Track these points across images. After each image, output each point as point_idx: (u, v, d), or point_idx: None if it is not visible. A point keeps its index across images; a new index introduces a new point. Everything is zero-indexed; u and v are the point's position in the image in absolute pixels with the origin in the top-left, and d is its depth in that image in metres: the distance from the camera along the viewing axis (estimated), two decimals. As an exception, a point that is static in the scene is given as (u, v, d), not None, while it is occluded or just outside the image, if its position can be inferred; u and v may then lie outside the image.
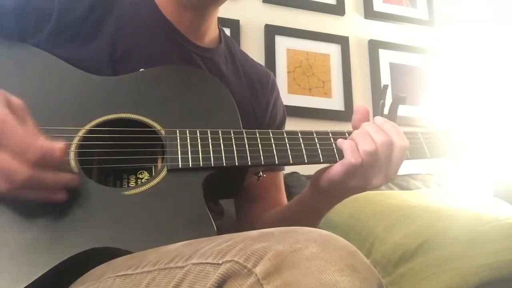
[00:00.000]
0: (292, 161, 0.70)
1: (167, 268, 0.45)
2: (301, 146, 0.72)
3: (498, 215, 1.24)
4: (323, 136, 0.74)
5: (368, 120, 0.76)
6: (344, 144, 0.70)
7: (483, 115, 1.90)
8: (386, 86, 0.81)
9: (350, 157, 0.68)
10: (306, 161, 0.71)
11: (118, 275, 0.49)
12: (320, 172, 0.74)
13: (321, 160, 0.72)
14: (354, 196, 0.78)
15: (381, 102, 0.78)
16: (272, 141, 0.71)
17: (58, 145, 0.56)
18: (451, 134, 0.81)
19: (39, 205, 0.57)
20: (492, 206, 1.37)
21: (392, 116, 0.78)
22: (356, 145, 0.69)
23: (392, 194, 1.46)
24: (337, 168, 0.70)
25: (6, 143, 0.54)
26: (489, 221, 1.20)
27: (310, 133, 0.74)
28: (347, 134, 0.75)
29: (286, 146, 0.71)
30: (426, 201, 1.36)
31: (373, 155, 0.68)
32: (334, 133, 0.74)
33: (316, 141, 0.73)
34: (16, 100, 0.58)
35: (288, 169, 1.46)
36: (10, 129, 0.54)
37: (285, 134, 0.72)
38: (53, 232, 0.56)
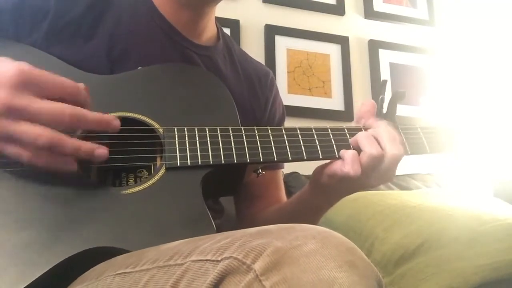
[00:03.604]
0: (291, 157, 0.70)
1: (166, 265, 0.45)
2: (300, 143, 0.71)
3: (498, 215, 1.24)
4: (322, 132, 0.73)
5: (374, 114, 0.76)
6: (345, 153, 0.70)
7: (483, 115, 1.90)
8: (385, 81, 0.81)
9: (350, 168, 0.69)
10: (305, 157, 0.71)
11: (117, 273, 0.49)
12: (321, 168, 0.75)
13: (320, 157, 0.72)
14: (354, 196, 0.79)
15: (380, 97, 0.78)
16: (271, 138, 0.71)
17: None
18: (452, 131, 0.81)
19: (38, 204, 0.57)
20: (492, 206, 1.37)
21: (391, 112, 0.77)
22: (361, 149, 0.70)
23: (392, 194, 1.46)
24: (337, 169, 0.70)
25: (42, 84, 0.54)
26: (489, 221, 1.20)
27: (309, 129, 0.73)
28: (346, 130, 0.75)
29: (285, 143, 0.71)
30: (426, 201, 1.36)
31: (378, 159, 0.68)
32: (333, 129, 0.74)
33: (315, 137, 0.73)
34: None
35: (287, 169, 1.46)
36: (41, 72, 0.55)
37: (283, 130, 0.72)
38: (52, 232, 0.56)
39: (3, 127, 0.53)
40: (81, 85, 0.59)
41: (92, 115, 0.57)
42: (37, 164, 0.55)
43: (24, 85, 0.53)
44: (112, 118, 0.60)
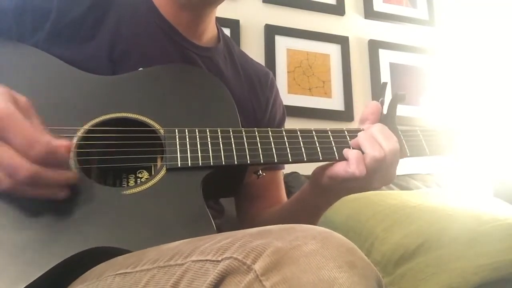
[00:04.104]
0: (291, 159, 0.70)
1: (166, 265, 0.45)
2: (300, 145, 0.72)
3: (498, 215, 1.23)
4: (322, 134, 0.74)
5: (378, 116, 0.76)
6: (350, 153, 0.70)
7: (483, 115, 1.90)
8: (385, 84, 0.81)
9: (355, 168, 0.68)
10: (305, 159, 0.71)
11: (117, 273, 0.49)
12: (321, 169, 0.75)
13: (320, 158, 0.72)
14: (354, 196, 0.79)
15: (380, 100, 0.78)
16: (271, 139, 0.71)
17: (63, 143, 0.55)
18: (451, 132, 0.81)
19: (38, 204, 0.57)
20: (492, 206, 1.36)
21: (391, 115, 0.78)
22: (363, 151, 0.70)
23: (392, 194, 1.45)
24: (340, 170, 0.71)
25: (11, 137, 0.53)
26: (489, 221, 1.20)
27: (309, 131, 0.74)
28: (346, 132, 0.75)
29: (285, 145, 0.71)
30: (426, 201, 1.36)
31: (380, 161, 0.69)
32: (333, 131, 0.74)
33: (316, 139, 0.73)
34: (21, 98, 0.58)
35: (287, 169, 1.46)
36: (15, 123, 0.53)
37: (284, 132, 0.72)
38: (52, 232, 0.56)
39: None
40: (60, 145, 0.56)
41: (50, 178, 0.55)
42: None
43: None
44: (70, 177, 0.58)
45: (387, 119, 0.78)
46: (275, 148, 0.70)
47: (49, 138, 0.54)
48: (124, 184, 0.68)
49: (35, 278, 0.52)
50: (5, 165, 0.52)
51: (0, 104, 0.53)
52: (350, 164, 0.69)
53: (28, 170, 0.53)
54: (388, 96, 0.74)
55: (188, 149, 0.66)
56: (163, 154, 0.66)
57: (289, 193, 1.04)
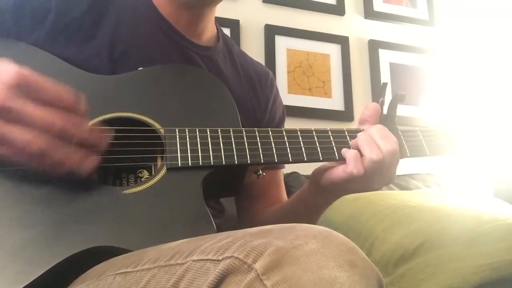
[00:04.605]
0: (291, 159, 0.70)
1: (167, 265, 0.45)
2: (301, 145, 0.72)
3: (498, 215, 1.24)
4: (322, 134, 0.74)
5: (378, 118, 0.76)
6: (347, 153, 0.71)
7: (483, 115, 1.90)
8: (385, 84, 0.82)
9: (353, 167, 0.69)
10: (305, 159, 0.71)
11: (118, 273, 0.49)
12: (321, 171, 0.75)
13: (321, 158, 0.72)
14: (354, 196, 0.79)
15: (380, 100, 0.78)
16: (272, 139, 0.71)
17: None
18: (451, 132, 0.81)
19: (38, 204, 0.57)
20: (492, 206, 1.37)
21: (391, 115, 0.78)
22: (362, 153, 0.70)
23: (392, 194, 1.46)
24: (339, 173, 0.71)
25: (38, 91, 0.54)
26: (489, 221, 1.20)
27: (310, 131, 0.74)
28: (346, 133, 0.75)
29: (286, 145, 0.71)
30: (426, 201, 1.36)
31: (379, 163, 0.69)
32: (333, 131, 0.75)
33: (316, 139, 0.73)
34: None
35: (287, 169, 1.46)
36: (37, 80, 0.54)
37: (284, 132, 0.72)
38: (53, 231, 0.56)
39: None
40: (81, 96, 0.58)
41: (83, 131, 0.57)
42: (28, 166, 0.55)
43: (21, 88, 0.53)
44: (102, 137, 0.59)
45: (387, 120, 0.78)
46: (275, 148, 0.70)
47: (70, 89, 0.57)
48: (124, 183, 0.68)
49: (35, 277, 0.52)
50: (39, 121, 0.53)
51: (13, 67, 0.54)
52: (348, 164, 0.70)
53: (63, 119, 0.54)
54: (388, 96, 0.74)
55: (189, 149, 0.66)
56: (163, 154, 0.66)
57: (289, 193, 1.04)
